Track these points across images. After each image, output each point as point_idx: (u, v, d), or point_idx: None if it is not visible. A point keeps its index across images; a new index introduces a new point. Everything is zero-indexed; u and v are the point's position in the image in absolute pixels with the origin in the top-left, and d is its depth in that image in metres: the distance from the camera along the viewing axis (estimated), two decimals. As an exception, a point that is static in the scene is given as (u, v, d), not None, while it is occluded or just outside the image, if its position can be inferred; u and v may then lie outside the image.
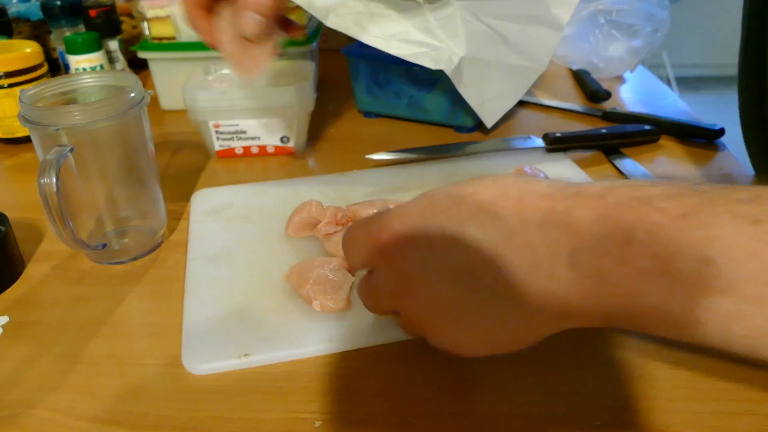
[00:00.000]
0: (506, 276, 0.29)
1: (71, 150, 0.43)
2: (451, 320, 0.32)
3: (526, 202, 0.29)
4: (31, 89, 0.48)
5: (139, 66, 0.88)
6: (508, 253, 0.29)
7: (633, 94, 0.84)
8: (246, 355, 0.39)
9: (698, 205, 0.25)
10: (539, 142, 0.66)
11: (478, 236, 0.29)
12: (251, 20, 0.46)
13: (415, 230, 0.32)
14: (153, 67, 0.80)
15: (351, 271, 0.43)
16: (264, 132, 0.66)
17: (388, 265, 0.33)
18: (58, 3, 0.80)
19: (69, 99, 0.50)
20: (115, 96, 0.46)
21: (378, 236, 0.33)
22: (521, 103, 0.79)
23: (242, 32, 0.47)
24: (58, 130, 0.43)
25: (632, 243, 0.25)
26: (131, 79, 0.48)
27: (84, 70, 0.77)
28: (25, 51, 0.72)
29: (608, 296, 0.27)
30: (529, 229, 0.28)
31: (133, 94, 0.46)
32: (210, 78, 0.70)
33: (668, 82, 2.72)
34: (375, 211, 0.50)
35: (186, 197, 0.59)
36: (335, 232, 0.48)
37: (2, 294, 0.48)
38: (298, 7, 0.73)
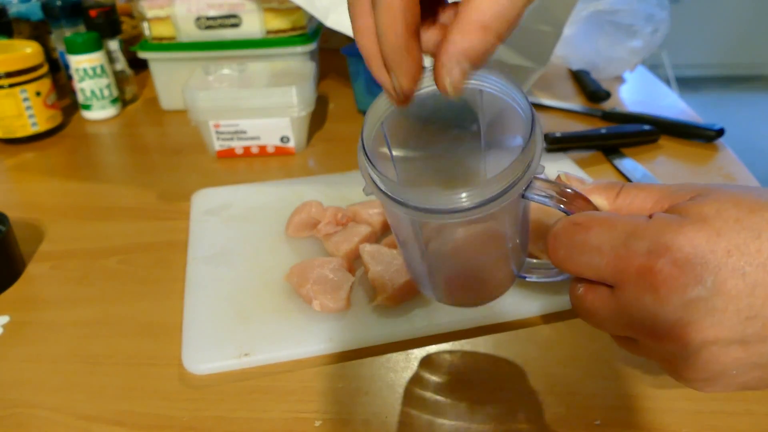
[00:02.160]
0: None
1: None
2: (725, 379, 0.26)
3: None
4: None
5: (139, 66, 0.88)
6: None
7: (633, 94, 0.84)
8: (246, 355, 0.39)
9: None
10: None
11: None
12: (461, 72, 0.28)
13: (708, 269, 0.24)
14: (153, 67, 0.80)
15: (566, 270, 0.29)
16: (264, 132, 0.66)
17: (655, 297, 0.25)
18: (59, 3, 0.80)
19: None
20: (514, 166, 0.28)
21: (647, 262, 0.25)
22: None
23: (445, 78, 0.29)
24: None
25: None
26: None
27: (84, 70, 0.77)
28: (26, 51, 0.72)
29: None
30: None
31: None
32: (210, 78, 0.70)
33: (668, 82, 2.72)
34: (376, 211, 0.50)
35: (186, 197, 0.59)
36: (335, 232, 0.48)
37: (2, 294, 0.48)
38: (298, 7, 0.73)
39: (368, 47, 0.29)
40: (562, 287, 0.43)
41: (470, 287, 0.36)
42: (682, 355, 0.26)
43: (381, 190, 0.29)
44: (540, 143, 0.29)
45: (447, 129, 0.37)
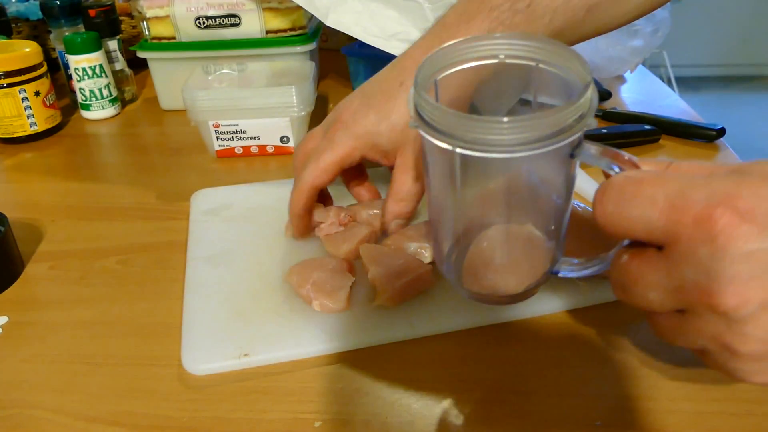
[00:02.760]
0: None
1: None
2: None
3: None
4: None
5: (138, 66, 0.88)
6: None
7: (633, 94, 0.84)
8: (246, 355, 0.39)
9: None
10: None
11: None
12: (396, 225, 0.46)
13: None
14: (153, 67, 0.80)
15: (615, 236, 0.27)
16: (264, 132, 0.66)
17: (712, 247, 0.23)
18: (58, 3, 0.79)
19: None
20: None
21: (706, 209, 0.23)
22: (521, 103, 0.78)
23: (383, 229, 0.47)
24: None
25: None
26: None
27: (83, 70, 0.77)
28: (25, 51, 0.72)
29: None
30: None
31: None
32: (210, 78, 0.70)
33: (668, 82, 2.72)
34: (376, 212, 0.49)
35: (186, 197, 0.58)
36: (336, 232, 0.48)
37: (2, 294, 0.48)
38: (299, 7, 0.73)
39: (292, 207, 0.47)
40: (562, 287, 0.43)
41: (498, 264, 0.34)
42: (736, 323, 0.23)
43: (423, 119, 0.28)
44: (595, 102, 0.28)
45: (498, 98, 0.38)
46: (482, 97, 0.42)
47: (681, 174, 0.25)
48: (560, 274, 0.33)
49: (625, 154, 0.28)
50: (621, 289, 0.27)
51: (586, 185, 0.55)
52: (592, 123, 0.27)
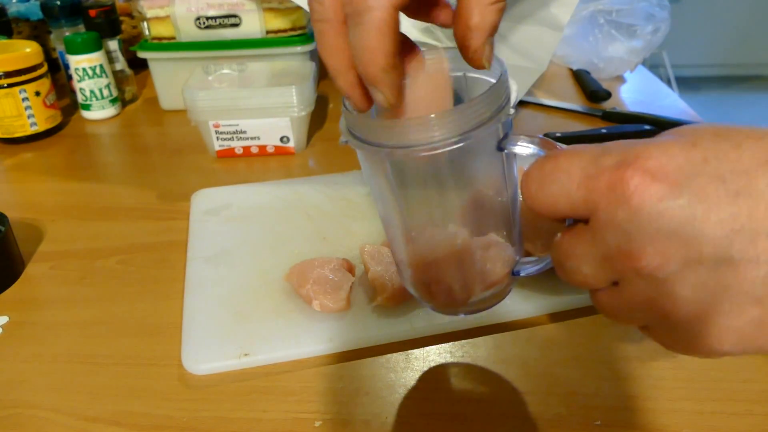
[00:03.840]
0: None
1: None
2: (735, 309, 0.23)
3: None
4: None
5: (139, 66, 0.88)
6: None
7: (633, 94, 0.84)
8: (246, 355, 0.39)
9: None
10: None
11: None
12: (491, 46, 0.31)
13: (684, 175, 0.22)
14: (153, 67, 0.80)
15: (545, 216, 0.27)
16: (264, 132, 0.66)
17: (627, 210, 0.23)
18: (58, 3, 0.79)
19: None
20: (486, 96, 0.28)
21: (617, 173, 0.23)
22: (521, 103, 0.79)
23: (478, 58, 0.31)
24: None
25: None
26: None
27: (84, 70, 0.77)
28: (25, 51, 0.72)
29: None
30: None
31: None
32: (210, 78, 0.70)
33: (668, 82, 2.72)
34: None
35: (186, 197, 0.59)
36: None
37: (2, 294, 0.48)
38: (299, 7, 0.73)
39: (340, 65, 0.29)
40: (562, 287, 0.43)
41: (457, 274, 0.33)
42: (663, 284, 0.23)
43: (352, 134, 0.29)
44: (512, 92, 0.29)
45: None
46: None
47: (597, 145, 0.25)
48: (522, 274, 0.33)
49: (556, 143, 0.28)
50: (559, 267, 0.27)
51: None
52: (510, 112, 0.28)
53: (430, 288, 0.34)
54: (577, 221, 0.26)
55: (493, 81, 0.31)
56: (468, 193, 0.32)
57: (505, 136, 0.29)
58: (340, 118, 0.30)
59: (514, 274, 0.33)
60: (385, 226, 0.35)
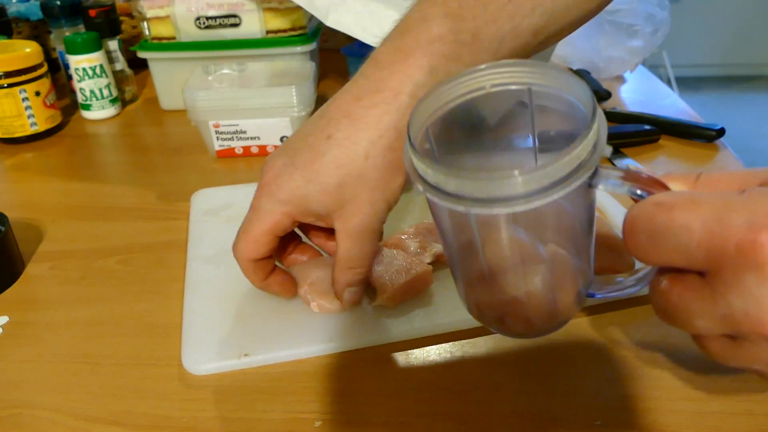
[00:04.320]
0: None
1: None
2: None
3: None
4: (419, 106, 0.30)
5: (139, 66, 0.88)
6: None
7: (633, 94, 0.84)
8: (246, 355, 0.39)
9: None
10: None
11: None
12: (350, 294, 0.41)
13: None
14: (153, 67, 0.80)
15: (647, 259, 0.25)
16: (264, 132, 0.66)
17: (760, 274, 0.22)
18: (58, 3, 0.79)
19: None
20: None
21: (749, 235, 0.22)
22: (521, 104, 0.78)
23: (339, 302, 0.42)
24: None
25: None
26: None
27: (84, 70, 0.77)
28: (25, 51, 0.72)
29: None
30: None
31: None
32: (210, 78, 0.70)
33: (668, 82, 2.72)
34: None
35: (186, 197, 0.59)
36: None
37: (2, 294, 0.48)
38: (299, 7, 0.73)
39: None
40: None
41: (536, 307, 0.31)
42: None
43: (429, 183, 0.26)
44: (604, 127, 0.26)
45: (497, 133, 0.35)
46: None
47: (713, 194, 0.24)
48: (597, 296, 0.31)
49: (647, 174, 0.26)
50: (664, 315, 0.26)
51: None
52: (607, 150, 0.26)
53: (503, 319, 0.32)
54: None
55: (563, 94, 0.28)
56: (555, 239, 0.30)
57: (595, 171, 0.26)
58: (406, 157, 0.27)
59: (589, 296, 0.31)
60: (452, 263, 0.32)
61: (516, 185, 0.24)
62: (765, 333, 0.22)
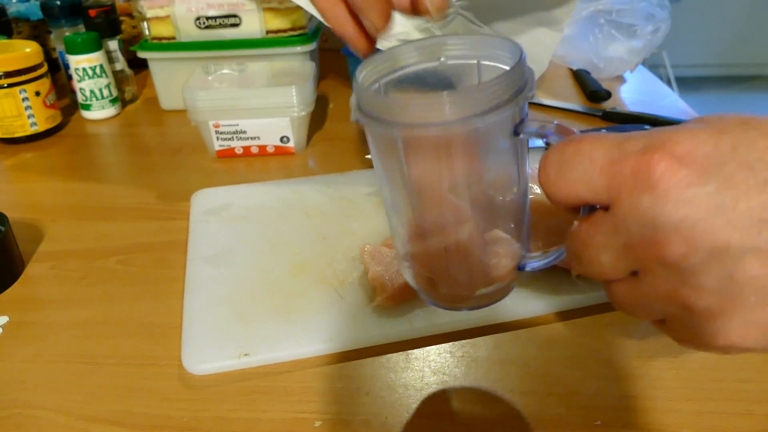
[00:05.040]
0: None
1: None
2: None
3: None
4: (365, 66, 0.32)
5: (139, 66, 0.88)
6: None
7: (633, 94, 0.84)
8: (246, 355, 0.39)
9: None
10: (539, 142, 0.65)
11: None
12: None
13: (712, 162, 0.21)
14: (153, 67, 0.80)
15: (562, 207, 0.27)
16: (264, 132, 0.66)
17: (654, 196, 0.22)
18: (58, 3, 0.79)
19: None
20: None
21: (643, 158, 0.22)
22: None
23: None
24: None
25: None
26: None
27: (84, 70, 0.77)
28: (25, 51, 0.72)
29: None
30: None
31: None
32: (210, 78, 0.70)
33: (668, 82, 2.72)
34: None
35: (186, 197, 0.59)
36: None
37: (2, 294, 0.48)
38: (298, 7, 0.73)
39: (340, 14, 0.35)
40: (561, 286, 0.43)
41: (466, 262, 0.32)
42: (688, 274, 0.22)
43: (363, 111, 0.28)
44: (531, 77, 0.28)
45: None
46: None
47: (621, 132, 0.24)
48: (527, 269, 0.32)
49: (574, 130, 0.27)
50: (575, 257, 0.26)
51: None
52: (529, 95, 0.27)
53: (432, 281, 0.33)
54: (593, 209, 0.25)
55: (507, 68, 0.30)
56: (480, 180, 0.31)
57: (521, 121, 0.28)
58: (351, 95, 0.30)
59: (520, 268, 0.32)
60: (389, 214, 0.34)
61: (441, 108, 0.25)
62: (660, 254, 0.22)
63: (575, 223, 0.26)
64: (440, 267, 0.33)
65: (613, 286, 0.26)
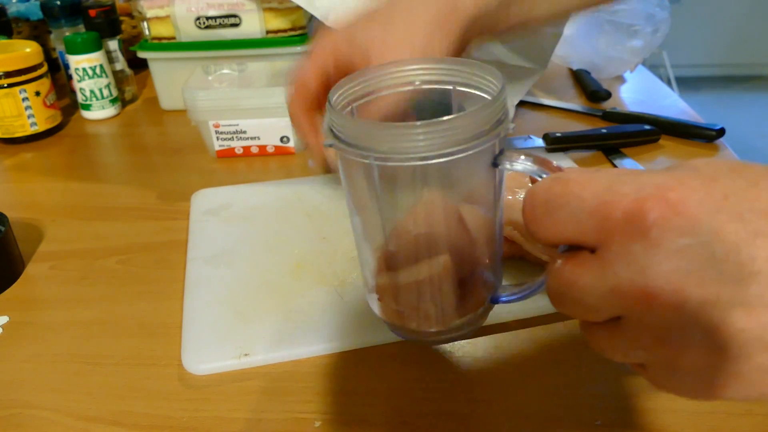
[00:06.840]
0: None
1: None
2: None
3: None
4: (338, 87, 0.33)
5: (139, 66, 0.88)
6: None
7: (633, 94, 0.84)
8: (246, 355, 0.39)
9: None
10: (539, 142, 0.65)
11: None
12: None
13: (705, 211, 0.21)
14: (153, 67, 0.80)
15: (545, 242, 0.25)
16: (264, 132, 0.66)
17: (645, 243, 0.21)
18: (58, 3, 0.79)
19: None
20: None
21: (635, 203, 0.22)
22: (521, 103, 0.78)
23: None
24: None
25: None
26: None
27: (84, 70, 0.77)
28: (25, 51, 0.72)
29: None
30: None
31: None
32: (210, 78, 0.70)
33: (668, 82, 2.73)
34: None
35: (186, 197, 0.59)
36: None
37: (2, 294, 0.48)
38: (298, 7, 0.73)
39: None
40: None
41: (439, 295, 0.31)
42: (677, 326, 0.21)
43: (337, 136, 0.28)
44: (509, 109, 0.28)
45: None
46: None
47: (609, 171, 0.24)
48: (501, 301, 0.32)
49: (553, 162, 0.27)
50: (557, 296, 0.25)
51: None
52: (509, 127, 0.27)
53: (401, 315, 0.32)
54: (572, 247, 0.24)
55: (484, 95, 0.30)
56: (456, 210, 0.30)
57: (501, 152, 0.27)
58: (324, 118, 0.30)
59: (493, 301, 0.32)
60: (358, 244, 0.33)
61: (415, 137, 0.25)
62: (649, 302, 0.22)
63: (558, 261, 0.25)
64: (411, 299, 0.32)
65: (593, 328, 0.25)
